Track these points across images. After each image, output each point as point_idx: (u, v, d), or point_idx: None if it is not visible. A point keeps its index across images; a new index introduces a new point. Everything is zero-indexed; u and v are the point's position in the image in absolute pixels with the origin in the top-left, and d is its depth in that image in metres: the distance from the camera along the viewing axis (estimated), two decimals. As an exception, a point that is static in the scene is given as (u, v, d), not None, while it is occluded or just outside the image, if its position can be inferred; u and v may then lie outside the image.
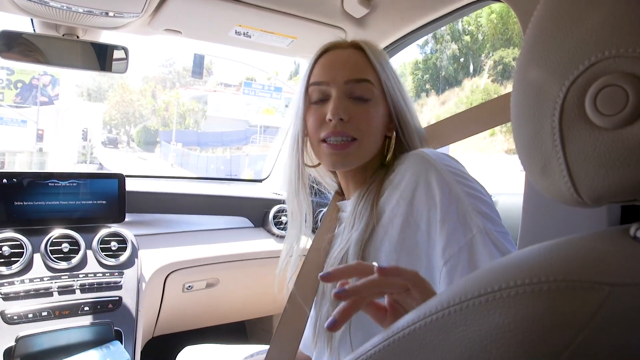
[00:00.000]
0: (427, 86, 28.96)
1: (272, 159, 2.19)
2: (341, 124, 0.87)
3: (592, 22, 0.34)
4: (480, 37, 27.17)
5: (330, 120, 0.87)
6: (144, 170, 25.95)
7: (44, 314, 1.26)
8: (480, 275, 0.36)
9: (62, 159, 22.80)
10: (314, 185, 1.07)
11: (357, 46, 0.93)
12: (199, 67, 16.37)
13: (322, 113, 0.89)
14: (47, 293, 1.30)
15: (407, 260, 0.79)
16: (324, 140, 0.89)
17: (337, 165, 0.90)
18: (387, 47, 1.53)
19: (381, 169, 0.93)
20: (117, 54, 1.50)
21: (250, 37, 1.51)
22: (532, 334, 0.30)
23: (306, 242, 1.01)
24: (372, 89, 0.89)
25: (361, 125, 0.87)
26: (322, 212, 1.08)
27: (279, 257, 1.02)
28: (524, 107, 0.39)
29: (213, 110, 33.04)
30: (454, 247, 0.73)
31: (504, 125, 0.99)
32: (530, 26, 0.40)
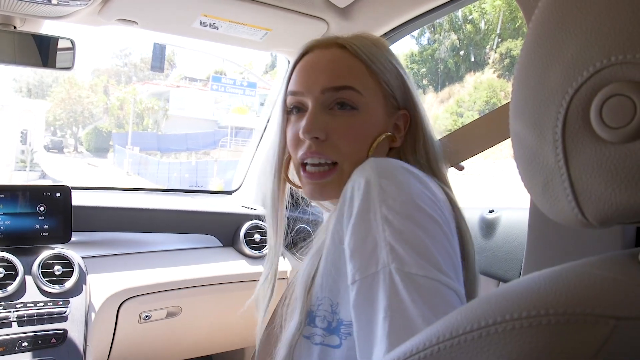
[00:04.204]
0: (424, 82, 29.11)
1: (245, 167, 2.19)
2: (317, 143, 0.83)
3: (599, 24, 0.34)
4: (483, 25, 27.44)
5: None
6: (94, 178, 25.65)
7: (-26, 351, 1.25)
8: (474, 307, 0.37)
9: (-4, 166, 22.46)
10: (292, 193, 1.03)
11: (341, 45, 0.88)
12: (159, 59, 16.29)
13: (298, 128, 0.86)
14: (-22, 327, 1.28)
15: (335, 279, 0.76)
16: (303, 164, 0.86)
17: (315, 197, 0.88)
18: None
19: None
20: (63, 46, 1.48)
21: (217, 28, 1.51)
22: None
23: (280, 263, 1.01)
24: (356, 96, 0.84)
25: (342, 144, 0.83)
26: (304, 228, 1.08)
27: (251, 280, 1.02)
28: (524, 117, 0.40)
29: (176, 109, 32.86)
30: (354, 275, 0.66)
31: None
32: (531, 25, 0.40)
